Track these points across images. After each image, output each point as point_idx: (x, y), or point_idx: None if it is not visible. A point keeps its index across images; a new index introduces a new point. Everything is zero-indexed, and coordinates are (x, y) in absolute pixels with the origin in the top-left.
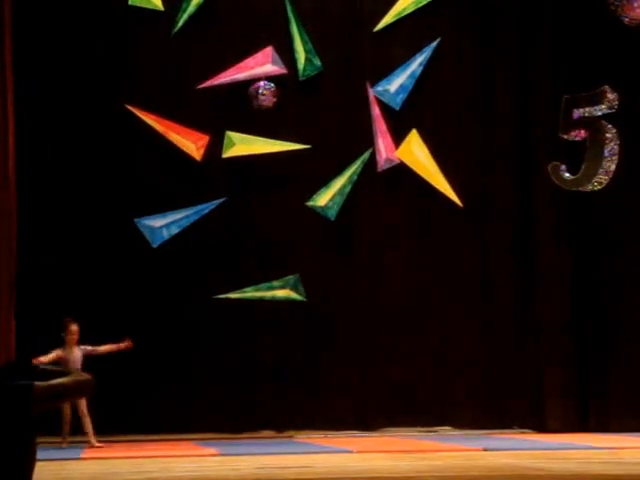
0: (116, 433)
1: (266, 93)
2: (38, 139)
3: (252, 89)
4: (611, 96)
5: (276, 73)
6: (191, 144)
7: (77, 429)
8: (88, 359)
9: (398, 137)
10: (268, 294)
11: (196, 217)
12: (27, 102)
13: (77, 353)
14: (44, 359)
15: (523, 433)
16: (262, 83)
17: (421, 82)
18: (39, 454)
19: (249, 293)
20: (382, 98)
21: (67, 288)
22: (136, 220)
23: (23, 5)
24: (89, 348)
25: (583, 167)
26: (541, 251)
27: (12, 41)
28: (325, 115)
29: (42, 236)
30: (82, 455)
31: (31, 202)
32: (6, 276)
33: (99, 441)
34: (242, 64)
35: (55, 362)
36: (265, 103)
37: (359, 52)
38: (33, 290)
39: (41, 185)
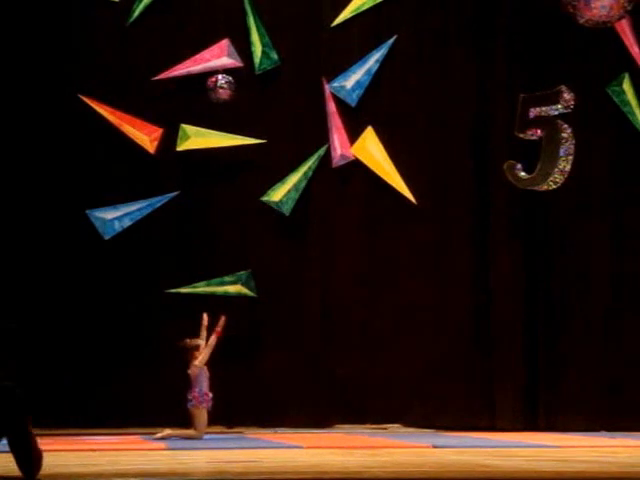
0: (63, 426)
1: (224, 86)
2: None
3: (210, 82)
4: (567, 96)
5: (232, 66)
6: (145, 136)
7: None
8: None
9: (354, 133)
10: (220, 289)
11: (149, 210)
12: None
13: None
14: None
15: (472, 431)
16: (220, 76)
17: (377, 79)
18: None
19: (200, 288)
20: (338, 94)
21: (16, 278)
22: (88, 212)
23: None
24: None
25: (538, 166)
26: (496, 251)
27: None
28: (281, 110)
29: None
30: None
31: None
32: None
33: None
34: (198, 56)
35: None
36: (223, 96)
37: (316, 47)
38: None
39: None
